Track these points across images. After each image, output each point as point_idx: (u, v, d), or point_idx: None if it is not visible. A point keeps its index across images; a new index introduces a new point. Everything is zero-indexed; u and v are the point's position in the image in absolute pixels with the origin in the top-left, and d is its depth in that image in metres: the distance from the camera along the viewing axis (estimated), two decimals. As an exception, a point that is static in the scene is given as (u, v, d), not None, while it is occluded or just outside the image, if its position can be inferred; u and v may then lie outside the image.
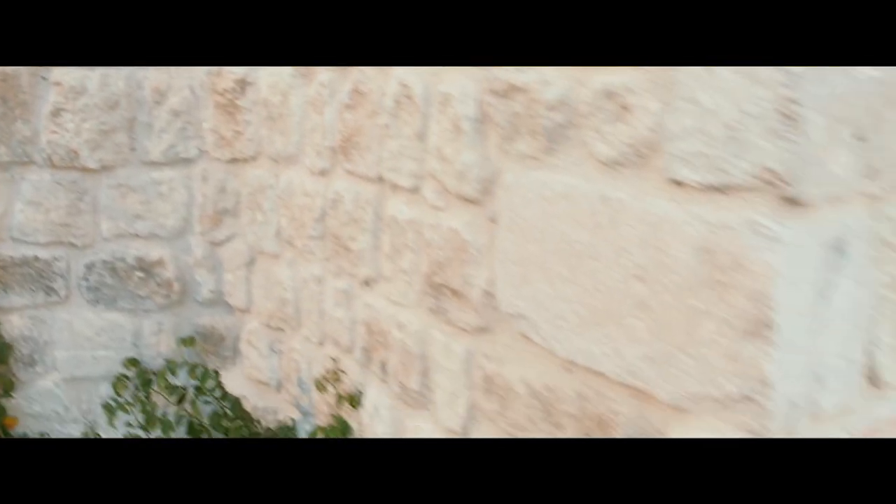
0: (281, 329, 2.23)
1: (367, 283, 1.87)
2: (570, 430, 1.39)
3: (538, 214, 1.40)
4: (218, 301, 2.43)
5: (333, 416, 1.99)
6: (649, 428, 1.27)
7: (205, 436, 2.27)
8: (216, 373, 2.32)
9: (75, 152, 2.33)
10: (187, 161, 2.38)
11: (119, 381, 2.32)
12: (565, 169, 1.36)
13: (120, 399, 2.31)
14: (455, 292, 1.59)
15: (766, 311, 1.09)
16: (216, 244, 2.40)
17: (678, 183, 1.19)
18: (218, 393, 2.31)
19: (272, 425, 2.25)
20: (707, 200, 1.16)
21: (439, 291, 1.63)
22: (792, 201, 1.09)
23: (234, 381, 2.39)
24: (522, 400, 1.47)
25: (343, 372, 1.96)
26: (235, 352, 2.42)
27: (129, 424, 2.32)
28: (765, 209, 1.10)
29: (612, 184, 1.28)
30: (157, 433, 2.27)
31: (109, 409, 2.30)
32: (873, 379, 1.29)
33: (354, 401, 1.93)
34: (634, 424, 1.29)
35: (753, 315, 1.10)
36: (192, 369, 2.31)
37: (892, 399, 1.33)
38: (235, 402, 2.29)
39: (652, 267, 1.22)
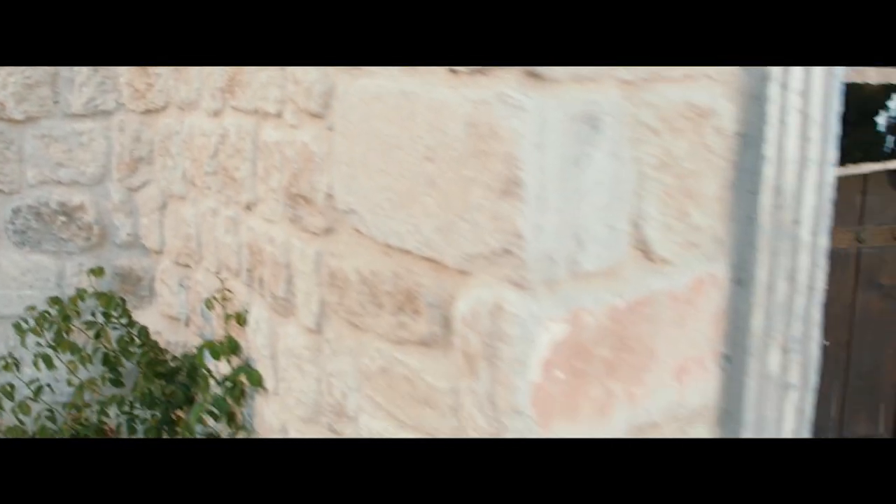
0: (188, 265, 2.41)
1: (248, 207, 2.05)
2: (388, 308, 1.56)
3: (361, 117, 1.58)
4: (135, 244, 2.62)
5: (225, 336, 2.16)
6: (444, 295, 1.44)
7: (119, 367, 2.45)
8: (122, 300, 2.49)
9: (2, 104, 2.53)
10: (106, 113, 2.58)
11: (41, 318, 2.50)
12: (378, 74, 1.54)
13: (33, 324, 2.47)
14: (306, 199, 1.77)
15: (515, 171, 1.26)
16: (133, 190, 2.59)
17: (454, 72, 1.37)
18: (124, 320, 2.48)
19: (179, 355, 2.42)
20: (473, 83, 1.33)
21: (295, 201, 1.81)
22: (537, 76, 1.26)
23: (150, 319, 2.56)
24: (355, 287, 1.64)
25: (230, 292, 2.14)
26: (151, 291, 2.60)
27: (39, 345, 2.50)
28: (514, 84, 1.27)
29: (409, 80, 1.46)
30: (67, 356, 2.45)
31: (20, 329, 2.48)
32: (646, 252, 1.46)
33: (241, 319, 2.11)
34: (435, 294, 1.46)
35: (505, 176, 1.28)
36: (100, 296, 2.49)
37: (668, 273, 1.49)
38: (142, 330, 2.47)
39: (438, 147, 1.40)
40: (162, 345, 2.53)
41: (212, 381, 2.19)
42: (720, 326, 1.57)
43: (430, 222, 1.42)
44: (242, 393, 2.13)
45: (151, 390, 2.34)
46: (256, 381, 2.04)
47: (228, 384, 2.10)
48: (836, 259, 2.94)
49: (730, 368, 1.59)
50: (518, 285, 1.29)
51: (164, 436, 2.36)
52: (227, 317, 2.13)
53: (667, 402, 1.51)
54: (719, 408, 1.60)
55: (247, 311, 2.10)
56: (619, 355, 1.42)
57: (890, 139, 2.36)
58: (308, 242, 1.78)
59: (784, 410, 1.68)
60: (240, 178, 2.06)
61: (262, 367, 2.04)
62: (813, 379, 1.72)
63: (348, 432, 1.71)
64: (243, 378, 2.07)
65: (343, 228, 1.67)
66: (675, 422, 1.55)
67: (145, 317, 2.57)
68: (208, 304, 2.18)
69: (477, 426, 1.36)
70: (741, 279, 1.56)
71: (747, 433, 1.62)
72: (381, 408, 1.60)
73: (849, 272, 3.01)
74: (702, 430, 1.59)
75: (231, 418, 2.18)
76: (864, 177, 2.98)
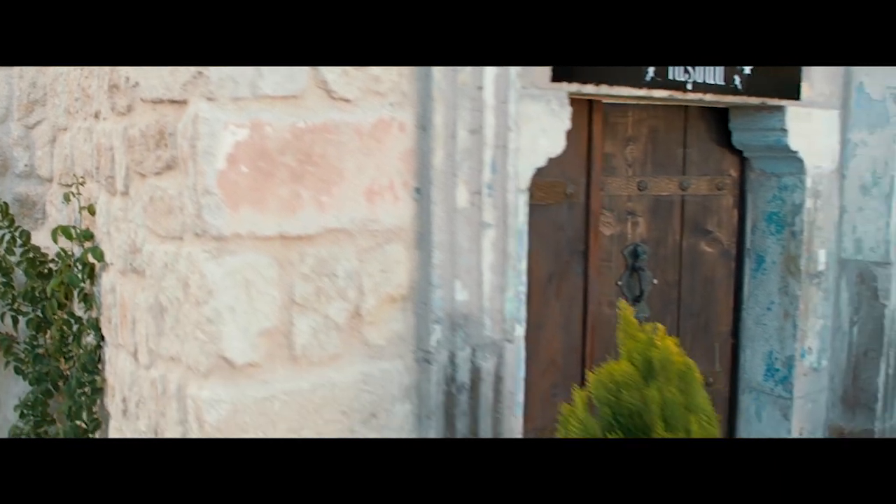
0: (68, 185, 2.94)
1: (95, 115, 2.59)
2: (152, 148, 2.06)
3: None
4: (31, 174, 3.16)
5: (84, 228, 2.68)
6: (176, 121, 1.94)
7: (10, 273, 2.95)
8: (6, 204, 2.99)
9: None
10: (10, 64, 3.16)
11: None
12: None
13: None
14: (117, 87, 2.30)
15: (204, 14, 1.78)
16: (29, 128, 3.14)
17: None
18: (6, 222, 2.97)
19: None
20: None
21: (112, 92, 2.34)
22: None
23: (42, 238, 3.08)
24: (138, 142, 2.15)
25: (83, 185, 2.67)
26: (44, 214, 3.12)
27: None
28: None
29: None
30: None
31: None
32: (327, 91, 1.95)
33: (92, 209, 2.62)
34: (172, 124, 1.96)
35: (198, 19, 1.79)
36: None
37: (349, 111, 1.97)
38: (23, 232, 2.96)
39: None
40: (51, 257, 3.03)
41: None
42: (409, 163, 2.04)
43: (172, 77, 1.93)
44: (92, 271, 2.63)
45: (33, 287, 2.84)
46: (99, 256, 2.54)
47: (80, 265, 2.61)
48: (663, 205, 3.41)
49: (420, 199, 2.06)
50: (209, 99, 1.80)
51: (42, 330, 2.85)
52: (81, 209, 2.64)
53: (358, 216, 1.98)
54: (414, 230, 2.07)
55: (95, 203, 2.61)
56: (305, 167, 1.90)
57: (650, 68, 2.81)
58: (118, 122, 2.30)
59: (482, 245, 2.13)
60: (92, 93, 2.61)
61: (104, 245, 2.54)
62: (515, 224, 2.17)
63: (138, 262, 2.19)
64: (90, 257, 2.57)
65: (136, 103, 2.19)
66: (371, 235, 2.01)
67: (40, 237, 3.09)
68: (66, 197, 2.70)
69: (188, 213, 1.85)
70: (424, 126, 2.04)
71: (441, 255, 2.07)
72: (151, 230, 2.09)
73: (675, 217, 3.46)
74: (399, 247, 2.05)
75: (85, 298, 2.68)
76: (685, 130, 3.46)
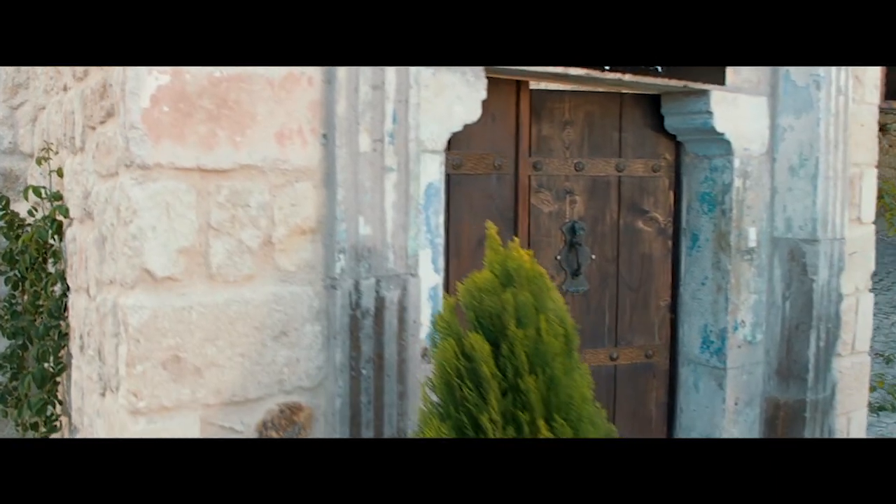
0: (47, 157, 3.32)
1: (64, 88, 2.97)
2: (98, 100, 2.42)
3: None
4: (15, 150, 3.55)
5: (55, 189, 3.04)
6: (113, 77, 2.30)
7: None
8: None
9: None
10: None
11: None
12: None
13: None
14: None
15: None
16: (14, 108, 3.55)
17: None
18: None
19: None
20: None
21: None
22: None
23: (24, 208, 3.45)
24: (90, 99, 2.52)
25: (54, 152, 3.04)
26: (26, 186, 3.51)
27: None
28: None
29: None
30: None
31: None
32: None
33: (60, 172, 2.99)
34: (111, 78, 2.32)
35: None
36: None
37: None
38: (2, 197, 3.33)
39: None
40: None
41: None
42: (316, 112, 2.38)
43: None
44: (60, 227, 2.99)
45: (11, 249, 3.21)
46: (65, 212, 2.90)
47: (48, 221, 2.97)
48: (600, 185, 3.72)
49: (326, 144, 2.40)
50: (136, 49, 2.15)
51: (18, 288, 3.21)
52: (51, 171, 3.01)
53: (269, 155, 2.32)
54: (321, 171, 2.40)
55: (63, 166, 2.98)
56: (221, 110, 2.24)
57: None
58: (77, 86, 2.68)
59: (385, 187, 2.46)
60: (62, 69, 3.00)
61: (69, 202, 2.90)
62: (418, 171, 2.50)
63: (89, 206, 2.54)
64: (58, 214, 2.93)
65: (91, 68, 2.56)
66: (282, 174, 2.35)
67: (21, 208, 3.46)
68: (38, 161, 3.07)
69: (120, 147, 2.19)
70: (330, 80, 2.38)
71: (345, 193, 2.40)
72: (97, 173, 2.44)
73: (612, 197, 3.76)
74: (308, 185, 2.38)
75: (55, 254, 3.04)
76: (620, 116, 3.77)
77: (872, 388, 3.94)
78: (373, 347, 2.40)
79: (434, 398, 1.98)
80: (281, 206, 2.31)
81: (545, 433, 1.88)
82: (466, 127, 2.88)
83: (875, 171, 4.14)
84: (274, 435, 2.33)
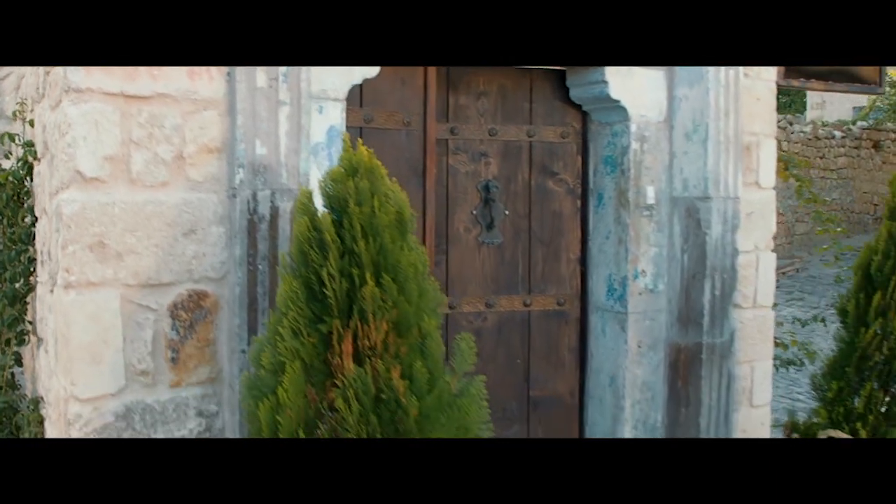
0: (22, 112, 4.05)
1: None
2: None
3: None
4: (1, 115, 4.29)
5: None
6: None
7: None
8: None
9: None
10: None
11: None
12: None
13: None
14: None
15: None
16: (1, 79, 4.29)
17: None
18: None
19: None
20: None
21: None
22: None
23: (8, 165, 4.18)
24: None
25: (31, 109, 3.76)
26: (11, 150, 4.24)
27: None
28: None
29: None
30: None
31: None
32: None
33: (32, 123, 3.70)
34: None
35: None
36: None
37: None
38: None
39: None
40: (12, 179, 4.11)
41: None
42: (222, 55, 3.05)
43: None
44: (31, 169, 3.69)
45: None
46: (34, 154, 3.61)
47: (21, 163, 3.68)
48: (512, 149, 4.34)
49: (230, 80, 3.06)
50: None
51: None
52: (25, 121, 3.73)
53: (182, 87, 2.99)
54: (226, 102, 3.06)
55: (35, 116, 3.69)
56: (141, 49, 2.92)
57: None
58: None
59: (279, 118, 3.11)
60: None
61: (37, 144, 3.60)
62: (309, 105, 3.15)
63: (45, 138, 3.24)
64: (29, 157, 3.64)
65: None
66: (192, 103, 3.01)
67: (6, 164, 4.19)
68: (13, 114, 3.79)
69: (61, 78, 2.87)
70: (233, 29, 3.06)
71: (244, 119, 3.05)
72: (49, 107, 3.13)
73: (524, 160, 4.38)
74: (214, 113, 3.04)
75: (27, 193, 3.73)
76: (531, 89, 4.40)
77: (786, 346, 4.43)
78: (268, 247, 3.03)
79: (291, 263, 2.60)
80: (191, 129, 2.98)
81: (371, 285, 2.49)
82: (368, 81, 3.53)
83: (774, 143, 4.70)
84: (183, 315, 2.96)
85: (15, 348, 3.72)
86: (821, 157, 14.51)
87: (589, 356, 4.48)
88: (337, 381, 2.44)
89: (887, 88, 16.01)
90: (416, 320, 2.53)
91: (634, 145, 4.26)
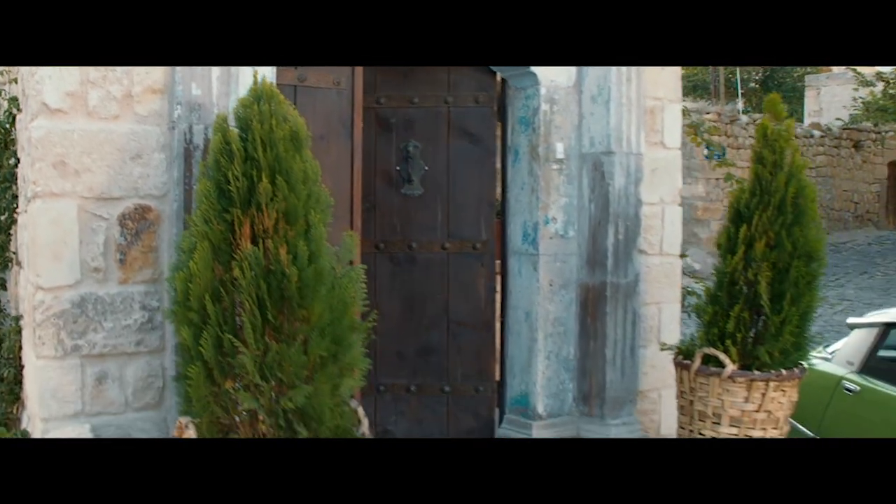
0: (9, 70, 4.90)
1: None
2: None
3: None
4: (-5, 81, 5.15)
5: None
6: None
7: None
8: None
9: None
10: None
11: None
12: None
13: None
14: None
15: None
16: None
17: None
18: None
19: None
20: None
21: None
22: None
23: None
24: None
25: (11, 73, 4.61)
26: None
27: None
28: None
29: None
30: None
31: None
32: None
33: (15, 79, 4.55)
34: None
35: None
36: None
37: None
38: None
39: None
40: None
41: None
42: (165, 14, 3.88)
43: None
44: (14, 119, 4.54)
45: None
46: (18, 106, 4.45)
47: (6, 114, 4.52)
48: (431, 116, 5.11)
49: (171, 34, 3.88)
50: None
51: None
52: (10, 80, 4.58)
53: (131, 38, 3.81)
54: (167, 52, 3.88)
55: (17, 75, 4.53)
56: (97, 7, 3.75)
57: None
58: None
59: (212, 68, 3.93)
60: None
61: (20, 98, 4.44)
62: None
63: (26, 89, 4.08)
64: (13, 109, 4.49)
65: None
66: (140, 52, 3.83)
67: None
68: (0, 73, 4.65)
69: (32, 29, 3.71)
70: (174, -7, 3.89)
71: (182, 70, 3.87)
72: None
73: (443, 123, 5.15)
74: (158, 61, 3.86)
75: (12, 141, 4.58)
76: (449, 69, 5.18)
77: (699, 295, 5.09)
78: (201, 171, 3.83)
79: (207, 171, 3.39)
80: (138, 72, 3.79)
81: (266, 183, 3.27)
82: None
83: (678, 107, 5.45)
84: (130, 224, 3.77)
85: (0, 274, 4.54)
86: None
87: (508, 294, 5.22)
88: (236, 257, 3.21)
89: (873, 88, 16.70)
90: (303, 213, 3.30)
91: (544, 107, 5.03)
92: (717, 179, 13.27)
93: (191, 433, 3.17)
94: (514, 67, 5.02)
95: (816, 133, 15.96)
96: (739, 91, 21.11)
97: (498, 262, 5.27)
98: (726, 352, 4.41)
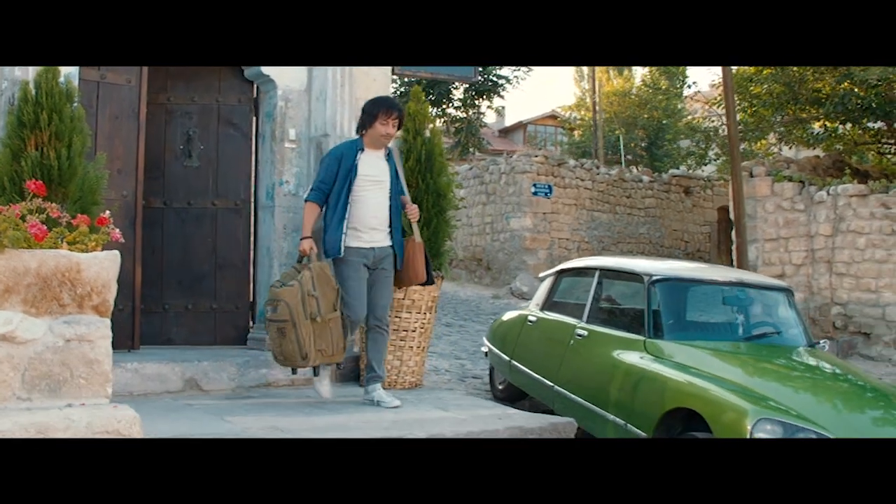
0: None
1: None
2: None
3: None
4: None
5: None
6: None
7: None
8: None
9: None
10: None
11: None
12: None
13: None
14: None
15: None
16: None
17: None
18: None
19: None
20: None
21: None
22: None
23: None
24: None
25: None
26: None
27: None
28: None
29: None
30: None
31: None
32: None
33: None
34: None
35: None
36: None
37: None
38: None
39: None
40: None
41: None
42: None
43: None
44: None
45: None
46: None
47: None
48: (207, 110, 8.23)
49: None
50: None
51: None
52: None
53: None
54: (-1, 50, 6.95)
55: None
56: None
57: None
58: None
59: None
60: None
61: None
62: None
63: None
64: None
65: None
66: (-19, 49, 6.91)
67: None
68: None
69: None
70: None
71: (8, 59, 6.96)
72: None
73: (214, 117, 8.25)
74: None
75: None
76: (220, 70, 8.31)
77: None
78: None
79: (14, 111, 6.41)
80: None
81: (44, 116, 6.28)
82: (93, 52, 7.44)
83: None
84: (-31, 155, 6.74)
85: None
86: (627, 197, 18.69)
87: (257, 237, 8.21)
88: (25, 158, 6.20)
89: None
90: (68, 136, 6.30)
91: (280, 103, 8.12)
92: (544, 214, 16.43)
93: None
94: (261, 76, 8.13)
95: (646, 178, 19.42)
96: (623, 155, 24.65)
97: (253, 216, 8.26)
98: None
